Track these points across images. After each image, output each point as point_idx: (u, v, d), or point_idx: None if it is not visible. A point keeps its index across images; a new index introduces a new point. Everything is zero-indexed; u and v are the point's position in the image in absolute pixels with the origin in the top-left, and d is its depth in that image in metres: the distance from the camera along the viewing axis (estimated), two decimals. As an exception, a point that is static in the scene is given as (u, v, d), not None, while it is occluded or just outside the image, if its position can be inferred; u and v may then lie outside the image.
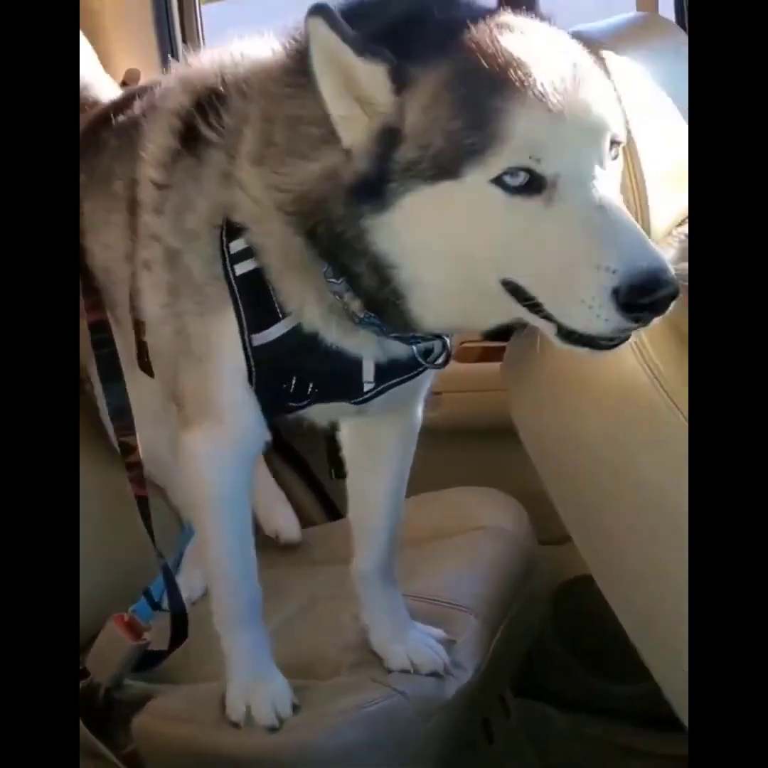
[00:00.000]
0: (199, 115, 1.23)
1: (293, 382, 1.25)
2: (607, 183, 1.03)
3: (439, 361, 1.28)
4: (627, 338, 1.05)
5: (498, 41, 1.03)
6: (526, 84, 1.00)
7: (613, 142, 1.05)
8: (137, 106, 1.43)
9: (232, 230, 1.20)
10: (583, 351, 1.06)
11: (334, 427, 1.53)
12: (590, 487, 1.27)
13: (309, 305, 1.20)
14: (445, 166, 1.02)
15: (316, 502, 2.22)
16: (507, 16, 1.08)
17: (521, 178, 1.00)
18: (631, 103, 1.19)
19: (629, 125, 1.18)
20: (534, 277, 1.04)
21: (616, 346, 1.05)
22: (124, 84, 2.11)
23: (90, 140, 1.49)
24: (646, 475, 1.19)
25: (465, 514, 1.79)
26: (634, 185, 1.20)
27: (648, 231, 1.22)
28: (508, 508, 1.79)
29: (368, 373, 1.26)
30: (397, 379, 1.30)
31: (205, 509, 1.38)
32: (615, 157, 1.07)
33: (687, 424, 1.12)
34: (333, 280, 1.15)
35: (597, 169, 1.02)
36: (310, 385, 1.26)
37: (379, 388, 1.29)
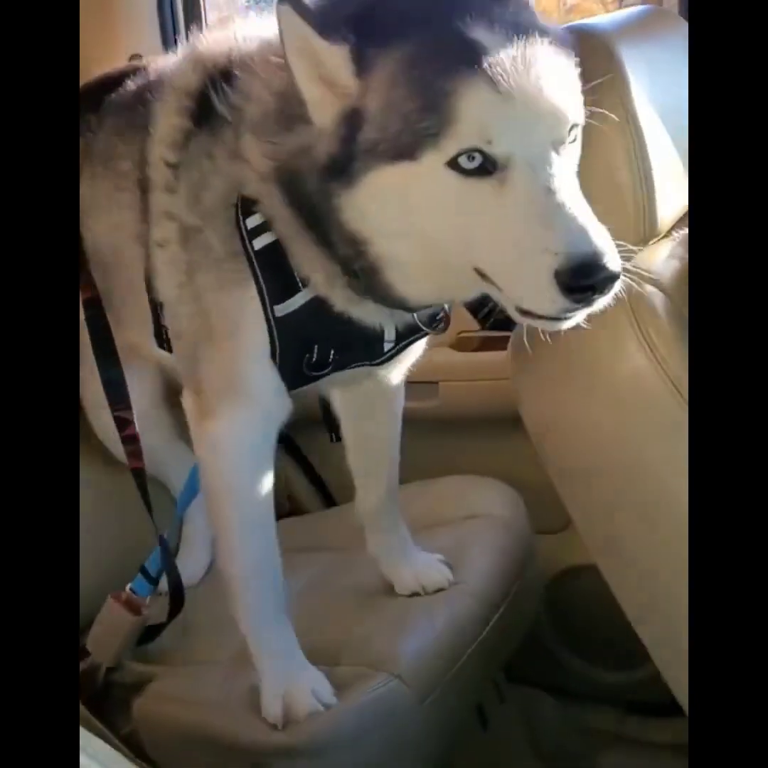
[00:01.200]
0: (213, 93, 1.24)
1: (315, 351, 1.26)
2: (561, 166, 1.04)
3: (440, 326, 1.32)
4: (576, 315, 1.07)
5: (456, 24, 1.04)
6: (476, 66, 1.01)
7: (572, 126, 1.07)
8: (134, 84, 1.44)
9: (247, 206, 1.21)
10: (539, 324, 1.09)
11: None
12: (595, 477, 1.27)
13: (316, 273, 1.22)
14: (403, 148, 1.04)
15: (313, 490, 2.23)
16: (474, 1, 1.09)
17: (476, 161, 1.02)
18: (638, 97, 1.20)
19: (637, 119, 1.19)
20: (490, 259, 1.07)
21: (568, 321, 1.07)
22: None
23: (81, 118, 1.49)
24: (651, 465, 1.20)
25: (462, 502, 1.79)
26: (641, 179, 1.21)
27: (654, 224, 1.23)
28: (505, 497, 1.79)
29: (390, 333, 1.29)
30: (415, 335, 1.34)
31: (229, 500, 1.35)
32: (573, 141, 1.08)
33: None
34: (330, 261, 1.19)
35: (550, 153, 1.04)
36: (332, 353, 1.27)
37: (398, 347, 1.32)
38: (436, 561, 1.58)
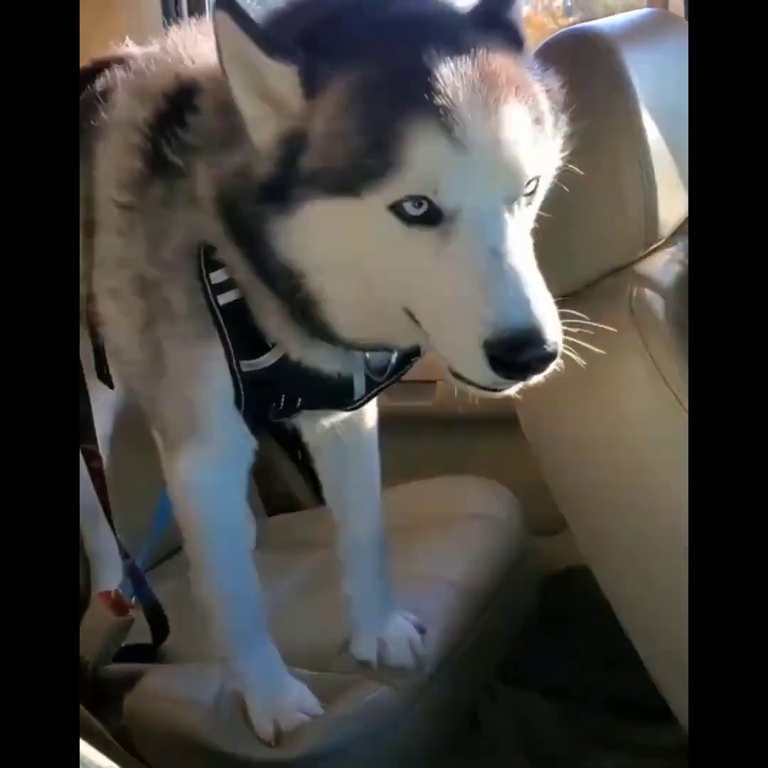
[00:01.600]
0: (162, 138, 1.16)
1: (282, 400, 1.21)
2: (512, 226, 0.97)
3: (392, 378, 1.24)
4: (509, 387, 1.01)
5: (418, 55, 0.95)
6: (431, 108, 0.93)
7: (532, 179, 1.00)
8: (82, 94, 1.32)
9: (209, 259, 1.15)
10: (470, 389, 1.01)
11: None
12: (591, 482, 1.27)
13: (271, 316, 1.15)
14: (346, 183, 0.97)
15: (307, 486, 2.22)
16: (449, 28, 1.01)
17: (422, 208, 0.95)
18: (641, 102, 1.19)
19: (641, 124, 1.18)
20: (424, 311, 1.01)
21: (499, 391, 1.01)
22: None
23: None
24: (648, 471, 1.20)
25: (456, 501, 1.80)
26: (644, 183, 1.20)
27: (656, 229, 1.22)
28: (501, 498, 1.79)
29: (360, 385, 1.22)
30: (388, 381, 1.25)
31: (199, 538, 1.32)
32: (531, 192, 1.01)
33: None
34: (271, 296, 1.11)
35: (502, 210, 0.97)
36: (299, 400, 1.22)
37: (369, 395, 1.25)
38: (408, 634, 1.41)
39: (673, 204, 1.24)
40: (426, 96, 0.93)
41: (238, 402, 1.20)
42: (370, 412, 1.43)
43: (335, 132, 0.97)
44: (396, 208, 0.96)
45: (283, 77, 0.98)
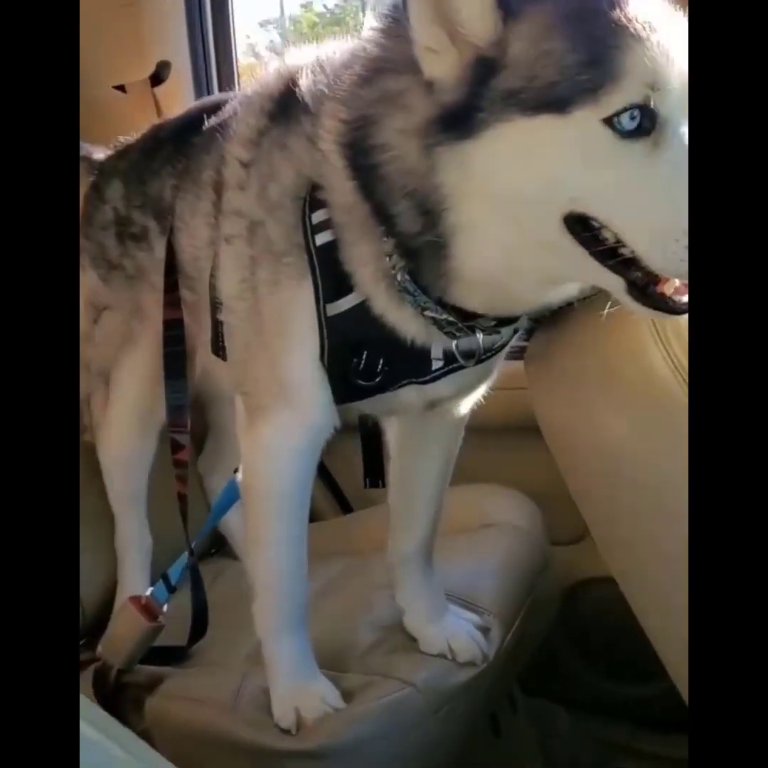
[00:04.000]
0: (297, 87, 1.24)
1: (363, 357, 1.24)
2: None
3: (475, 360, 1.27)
4: (686, 309, 1.04)
5: None
6: (642, 26, 0.99)
7: None
8: (229, 108, 1.45)
9: (314, 202, 1.21)
10: (649, 312, 1.06)
11: (377, 432, 1.52)
12: (613, 487, 1.26)
13: (364, 267, 1.20)
14: (553, 100, 1.00)
15: (329, 496, 2.24)
16: None
17: (636, 121, 0.99)
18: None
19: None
20: (626, 219, 1.02)
21: (684, 311, 1.04)
22: (155, 75, 2.15)
23: (178, 146, 1.54)
24: (670, 477, 1.17)
25: (479, 510, 1.79)
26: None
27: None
28: (522, 506, 1.79)
29: (437, 350, 1.25)
30: (469, 361, 1.28)
31: (268, 505, 1.35)
32: None
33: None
34: (385, 239, 1.15)
35: (686, 121, 1.01)
36: (380, 362, 1.24)
37: (448, 368, 1.28)
38: (470, 628, 1.48)
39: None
40: (630, 14, 0.99)
41: (321, 354, 1.24)
42: (458, 420, 1.47)
43: (542, 52, 1.01)
44: (610, 121, 0.99)
45: (478, 3, 1.03)
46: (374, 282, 1.20)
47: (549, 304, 1.24)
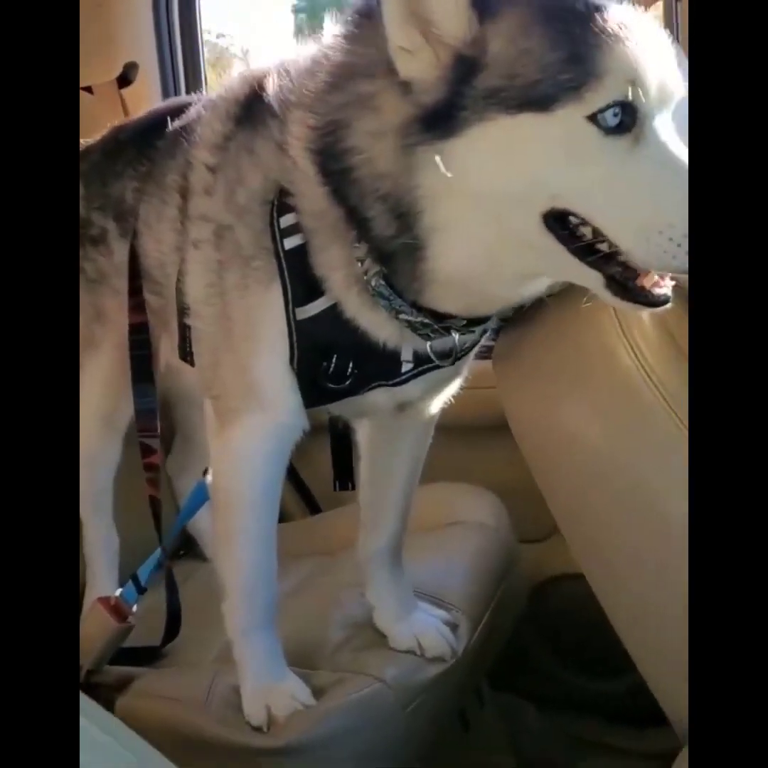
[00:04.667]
0: (263, 92, 1.24)
1: (333, 360, 1.24)
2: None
3: (451, 360, 1.28)
4: (668, 301, 1.06)
5: None
6: (619, 25, 1.01)
7: None
8: (193, 112, 1.45)
9: (282, 206, 1.21)
10: (628, 306, 1.07)
11: (346, 434, 1.53)
12: (582, 484, 1.26)
13: (335, 272, 1.20)
14: (535, 98, 1.01)
15: (298, 497, 2.24)
16: None
17: (617, 118, 1.00)
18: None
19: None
20: (609, 215, 1.03)
21: (663, 304, 1.06)
22: (123, 77, 2.15)
23: (141, 148, 1.54)
24: (639, 477, 1.19)
25: (447, 508, 1.80)
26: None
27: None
28: (490, 504, 1.80)
29: (407, 353, 1.26)
30: (436, 363, 1.29)
31: (238, 507, 1.36)
32: None
33: (683, 428, 1.13)
34: (357, 244, 1.16)
35: (669, 117, 1.04)
36: (350, 365, 1.25)
37: (418, 370, 1.28)
38: (439, 624, 1.50)
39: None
40: (606, 13, 1.02)
41: (291, 358, 1.24)
42: (428, 420, 1.48)
43: (521, 51, 1.02)
44: (595, 118, 1.00)
45: (452, 2, 1.03)
46: (346, 287, 1.20)
47: (520, 303, 1.25)
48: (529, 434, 1.36)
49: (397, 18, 1.04)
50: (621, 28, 1.01)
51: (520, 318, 1.27)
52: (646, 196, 1.02)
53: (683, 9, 1.49)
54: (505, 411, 1.39)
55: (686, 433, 1.12)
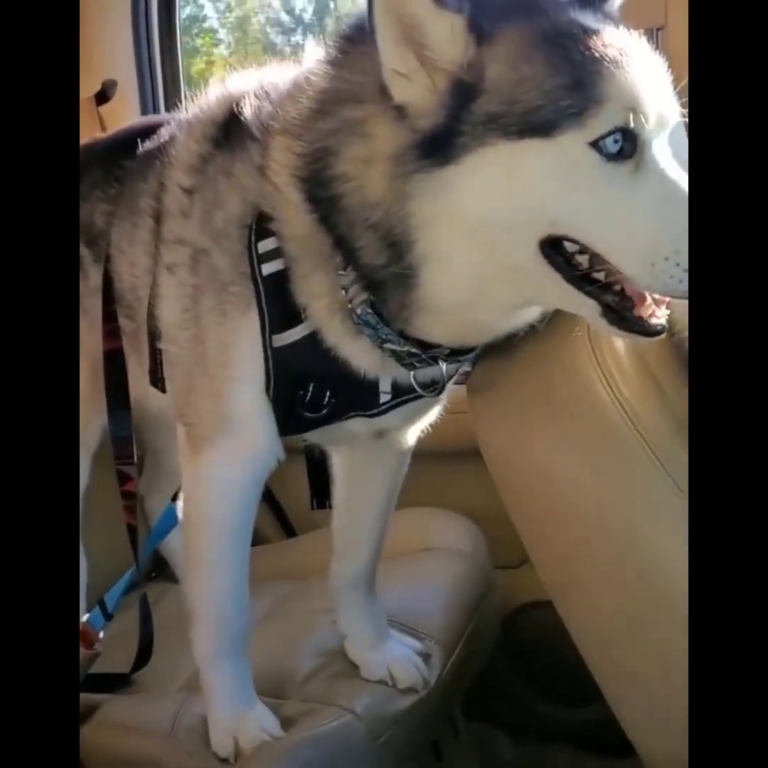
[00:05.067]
0: (242, 115, 1.22)
1: (310, 389, 1.22)
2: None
3: (436, 391, 1.26)
4: (664, 331, 1.06)
5: (569, 12, 1.04)
6: (618, 51, 1.01)
7: None
8: (165, 133, 1.42)
9: (261, 229, 1.19)
10: (625, 335, 1.06)
11: (322, 453, 1.51)
12: (553, 517, 1.26)
13: (318, 300, 1.18)
14: (537, 124, 1.00)
15: (273, 519, 2.22)
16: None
17: (618, 144, 1.00)
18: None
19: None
20: (612, 241, 1.03)
21: (659, 333, 1.06)
22: (101, 94, 2.13)
23: (109, 169, 1.51)
24: (609, 508, 1.18)
25: (422, 534, 1.80)
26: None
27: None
28: (466, 530, 1.80)
29: (385, 384, 1.24)
30: (415, 394, 1.27)
31: (210, 535, 1.34)
32: None
33: (656, 459, 1.13)
34: (342, 272, 1.14)
35: (666, 142, 1.04)
36: (327, 394, 1.23)
37: (396, 401, 1.27)
38: (411, 654, 1.48)
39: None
40: (604, 39, 1.02)
41: (267, 386, 1.22)
42: (406, 447, 1.46)
43: (521, 76, 1.01)
44: (596, 145, 1.00)
45: (447, 28, 1.01)
46: (329, 315, 1.18)
47: (510, 332, 1.22)
48: (501, 463, 1.35)
49: (392, 41, 1.03)
50: (621, 54, 1.01)
51: (495, 347, 1.26)
52: (650, 222, 1.01)
53: (665, 37, 1.49)
54: (478, 439, 1.38)
55: (656, 460, 1.13)
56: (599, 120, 0.99)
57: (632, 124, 1.00)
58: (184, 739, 1.33)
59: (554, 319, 1.19)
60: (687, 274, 0.99)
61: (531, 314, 1.19)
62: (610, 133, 1.00)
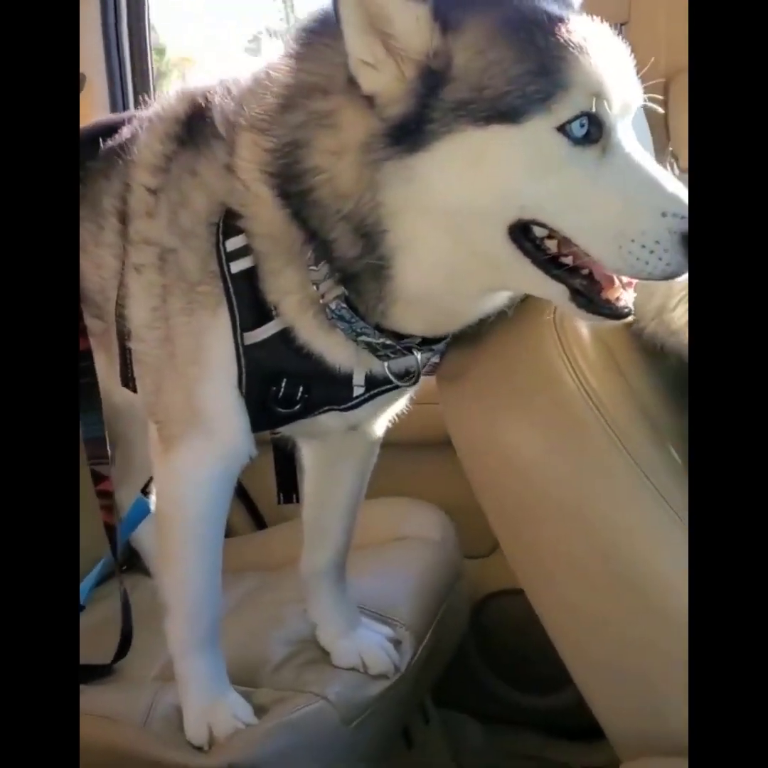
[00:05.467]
0: (207, 111, 1.22)
1: (282, 385, 1.23)
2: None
3: (411, 379, 1.27)
4: (631, 313, 1.07)
5: (539, 2, 1.05)
6: (583, 37, 1.02)
7: None
8: (126, 131, 1.40)
9: (228, 227, 1.19)
10: (593, 319, 1.08)
11: (290, 451, 1.52)
12: (523, 503, 1.26)
13: (289, 296, 1.18)
14: (504, 110, 1.00)
15: (244, 512, 2.23)
16: None
17: (585, 129, 1.01)
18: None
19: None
20: (580, 224, 1.03)
21: (627, 316, 1.07)
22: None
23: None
24: (577, 493, 1.19)
25: (392, 524, 1.81)
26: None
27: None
28: (435, 520, 1.81)
29: (359, 377, 1.25)
30: (388, 386, 1.28)
31: (183, 531, 1.34)
32: None
33: (620, 445, 1.15)
34: (314, 267, 1.14)
35: (630, 126, 1.05)
36: (300, 390, 1.23)
37: (369, 394, 1.27)
38: (382, 640, 1.50)
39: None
40: (569, 26, 1.02)
41: (239, 383, 1.22)
42: (374, 437, 1.47)
43: (488, 62, 1.01)
44: (564, 129, 1.01)
45: (412, 16, 1.02)
46: (301, 311, 1.18)
47: (483, 317, 1.23)
48: (470, 452, 1.36)
49: (358, 31, 1.03)
50: (585, 41, 1.02)
51: (464, 336, 1.28)
52: (616, 205, 1.02)
53: (628, 32, 1.51)
54: (448, 428, 1.39)
55: (623, 448, 1.14)
56: (565, 105, 1.00)
57: (597, 110, 1.01)
58: (158, 728, 1.34)
59: (522, 307, 1.20)
60: (654, 255, 1.00)
61: (501, 299, 1.20)
62: (576, 117, 1.01)
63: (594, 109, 1.01)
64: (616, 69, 1.04)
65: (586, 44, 1.02)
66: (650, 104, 1.12)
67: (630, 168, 1.03)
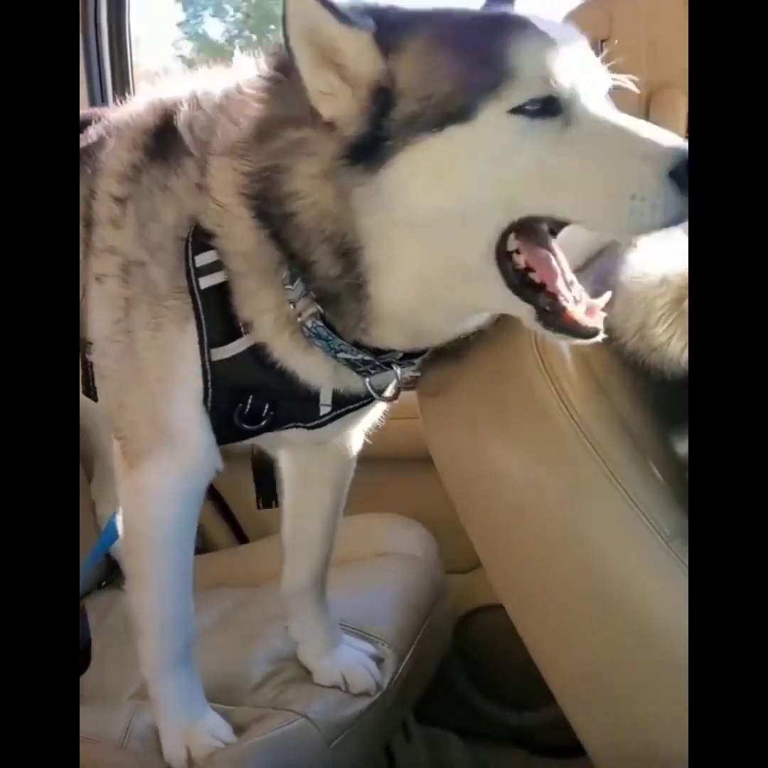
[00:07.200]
0: (178, 127, 1.22)
1: (249, 401, 1.22)
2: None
3: (390, 394, 1.27)
4: (598, 332, 1.06)
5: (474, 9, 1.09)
6: (521, 22, 1.04)
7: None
8: (93, 133, 1.38)
9: (198, 243, 1.18)
10: (560, 338, 1.07)
11: (268, 456, 1.50)
12: (503, 521, 1.26)
13: (264, 314, 1.17)
14: (453, 110, 1.02)
15: (224, 526, 2.22)
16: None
17: (538, 105, 1.01)
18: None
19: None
20: (572, 200, 1.03)
21: (593, 335, 1.06)
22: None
23: None
24: (557, 510, 1.18)
25: (374, 540, 1.81)
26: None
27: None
28: (418, 535, 1.81)
29: (326, 396, 1.24)
30: (354, 405, 1.28)
31: (150, 549, 1.32)
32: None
33: (601, 463, 1.15)
34: (290, 286, 1.14)
35: (602, 96, 1.05)
36: (266, 407, 1.23)
37: (335, 413, 1.27)
38: (364, 658, 1.50)
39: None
40: (507, 19, 1.05)
41: (205, 398, 1.21)
42: (350, 452, 1.47)
43: (429, 69, 1.04)
44: (517, 110, 1.01)
45: (356, 44, 1.05)
46: (276, 329, 1.18)
47: (462, 334, 1.23)
48: (450, 467, 1.36)
49: (310, 65, 1.06)
50: (526, 27, 1.04)
51: (444, 352, 1.27)
52: (595, 166, 1.02)
53: (610, 47, 1.52)
54: (428, 444, 1.39)
55: (603, 465, 1.13)
56: (513, 89, 1.01)
57: (548, 93, 1.01)
58: (136, 748, 1.32)
59: (502, 323, 1.20)
60: (646, 202, 0.98)
61: (480, 318, 1.20)
62: (527, 103, 1.01)
63: (545, 94, 1.01)
64: (565, 52, 1.04)
65: (528, 30, 1.03)
66: (624, 86, 1.12)
67: (600, 127, 1.02)
